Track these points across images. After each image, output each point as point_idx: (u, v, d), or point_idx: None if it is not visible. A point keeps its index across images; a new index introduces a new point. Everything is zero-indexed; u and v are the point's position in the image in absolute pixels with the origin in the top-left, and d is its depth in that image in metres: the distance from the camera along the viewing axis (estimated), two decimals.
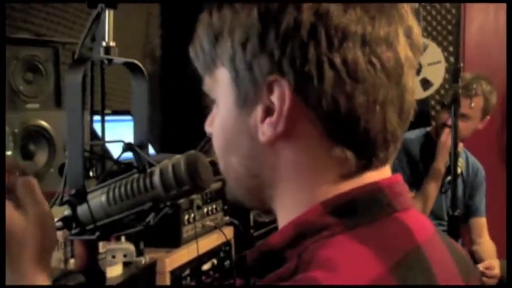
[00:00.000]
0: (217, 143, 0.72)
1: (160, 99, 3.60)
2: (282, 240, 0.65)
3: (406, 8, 0.67)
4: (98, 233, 0.93)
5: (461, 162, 2.75)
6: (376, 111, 0.63)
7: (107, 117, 1.89)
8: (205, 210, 2.43)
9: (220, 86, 0.69)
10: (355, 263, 0.59)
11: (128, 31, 3.20)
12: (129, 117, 2.60)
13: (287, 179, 0.67)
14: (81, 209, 0.93)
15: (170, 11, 3.63)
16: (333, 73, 0.61)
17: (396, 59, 0.64)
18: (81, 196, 0.92)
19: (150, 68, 3.51)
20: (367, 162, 0.65)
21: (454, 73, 2.39)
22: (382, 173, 0.68)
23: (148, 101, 1.02)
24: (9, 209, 0.76)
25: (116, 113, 2.57)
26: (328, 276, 0.56)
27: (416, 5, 2.89)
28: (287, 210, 0.68)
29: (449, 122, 2.70)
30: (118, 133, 2.29)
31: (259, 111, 0.65)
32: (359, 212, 0.63)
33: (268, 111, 0.65)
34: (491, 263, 2.84)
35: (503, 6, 3.75)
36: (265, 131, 0.65)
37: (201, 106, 3.99)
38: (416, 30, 0.67)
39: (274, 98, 0.64)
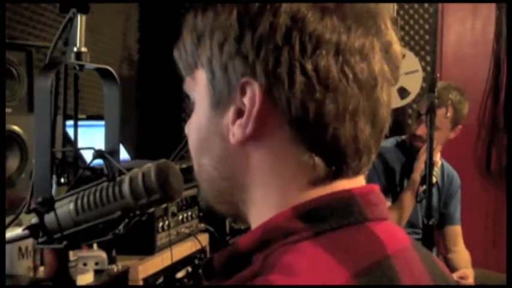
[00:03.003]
0: (191, 144, 0.73)
1: (137, 104, 3.58)
2: (250, 243, 0.65)
3: (387, 22, 0.66)
4: (65, 242, 0.91)
5: (436, 171, 2.76)
6: (345, 120, 0.63)
7: (81, 122, 1.87)
8: (180, 217, 2.40)
9: (198, 87, 0.70)
10: (317, 269, 0.58)
11: (106, 35, 3.17)
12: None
13: (257, 182, 0.67)
14: (49, 217, 0.91)
15: (148, 15, 3.60)
16: (303, 79, 0.61)
17: (370, 71, 0.64)
18: (48, 204, 0.90)
19: (127, 72, 3.48)
20: (337, 170, 0.65)
21: (430, 83, 2.41)
22: (355, 182, 0.67)
23: (120, 107, 1.00)
24: None
25: (90, 118, 2.55)
26: (287, 280, 0.56)
27: (394, 14, 2.90)
28: (259, 215, 0.67)
29: (418, 132, 2.78)
30: (92, 138, 2.26)
31: (231, 112, 0.66)
32: (328, 218, 0.63)
33: (239, 113, 0.65)
34: (466, 273, 2.85)
35: (480, 16, 3.79)
36: (235, 132, 0.65)
37: (178, 111, 3.97)
38: (396, 46, 0.67)
39: (246, 100, 0.64)
